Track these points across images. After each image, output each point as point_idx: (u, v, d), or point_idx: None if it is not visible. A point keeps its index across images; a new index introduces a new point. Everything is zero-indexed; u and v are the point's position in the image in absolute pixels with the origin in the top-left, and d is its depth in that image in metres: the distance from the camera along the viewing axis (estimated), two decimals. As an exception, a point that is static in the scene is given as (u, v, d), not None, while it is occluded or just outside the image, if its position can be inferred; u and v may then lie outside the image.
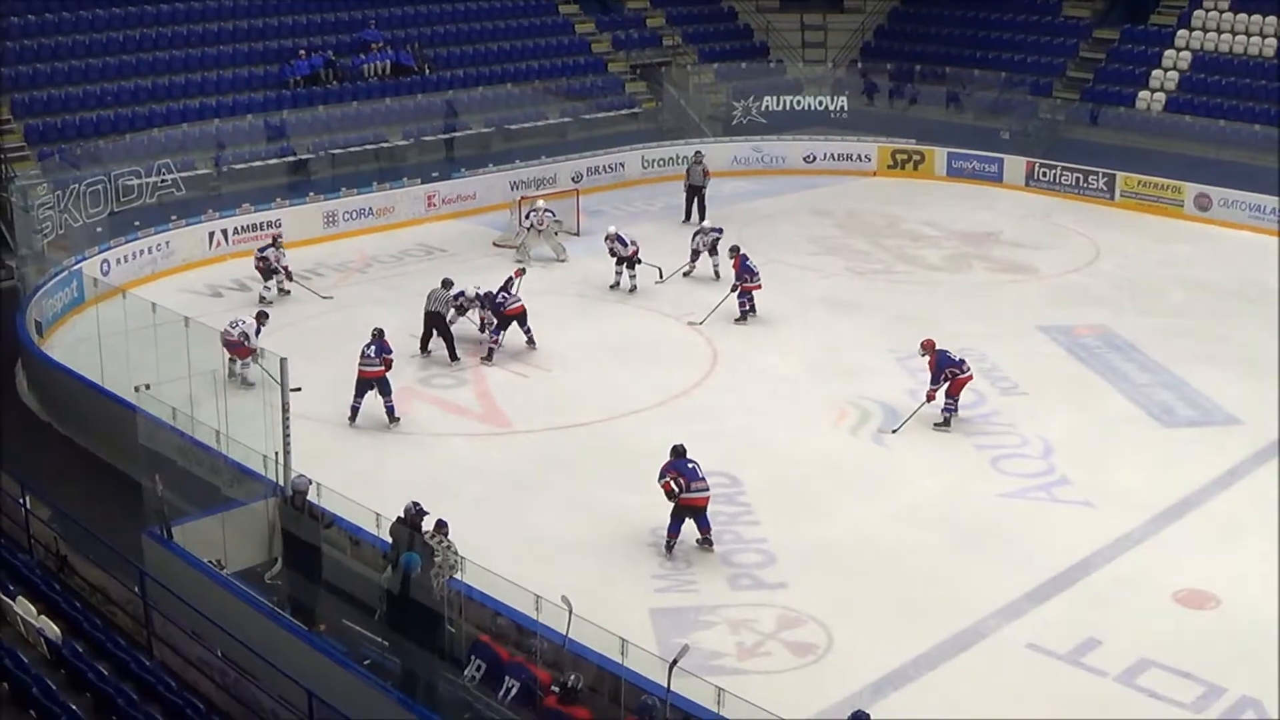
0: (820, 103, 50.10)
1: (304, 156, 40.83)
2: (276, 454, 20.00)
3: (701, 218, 39.12)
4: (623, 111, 48.71)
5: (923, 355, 26.47)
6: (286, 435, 20.01)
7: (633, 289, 33.42)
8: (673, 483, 21.09)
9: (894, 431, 25.99)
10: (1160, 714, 17.68)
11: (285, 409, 19.92)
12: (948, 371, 26.01)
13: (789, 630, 19.51)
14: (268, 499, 20.03)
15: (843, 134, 48.15)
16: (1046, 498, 23.62)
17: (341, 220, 38.42)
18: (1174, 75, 47.18)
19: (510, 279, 30.30)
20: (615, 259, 33.91)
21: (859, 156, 46.80)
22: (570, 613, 16.11)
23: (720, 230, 34.54)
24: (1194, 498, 23.60)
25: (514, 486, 23.54)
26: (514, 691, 15.92)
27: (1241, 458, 25.17)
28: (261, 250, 32.96)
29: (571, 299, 32.91)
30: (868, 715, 14.74)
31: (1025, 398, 27.64)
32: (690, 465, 21.31)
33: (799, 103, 50.14)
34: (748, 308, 31.61)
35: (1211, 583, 20.71)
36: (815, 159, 46.88)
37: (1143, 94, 47.12)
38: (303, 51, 43.26)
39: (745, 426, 26.07)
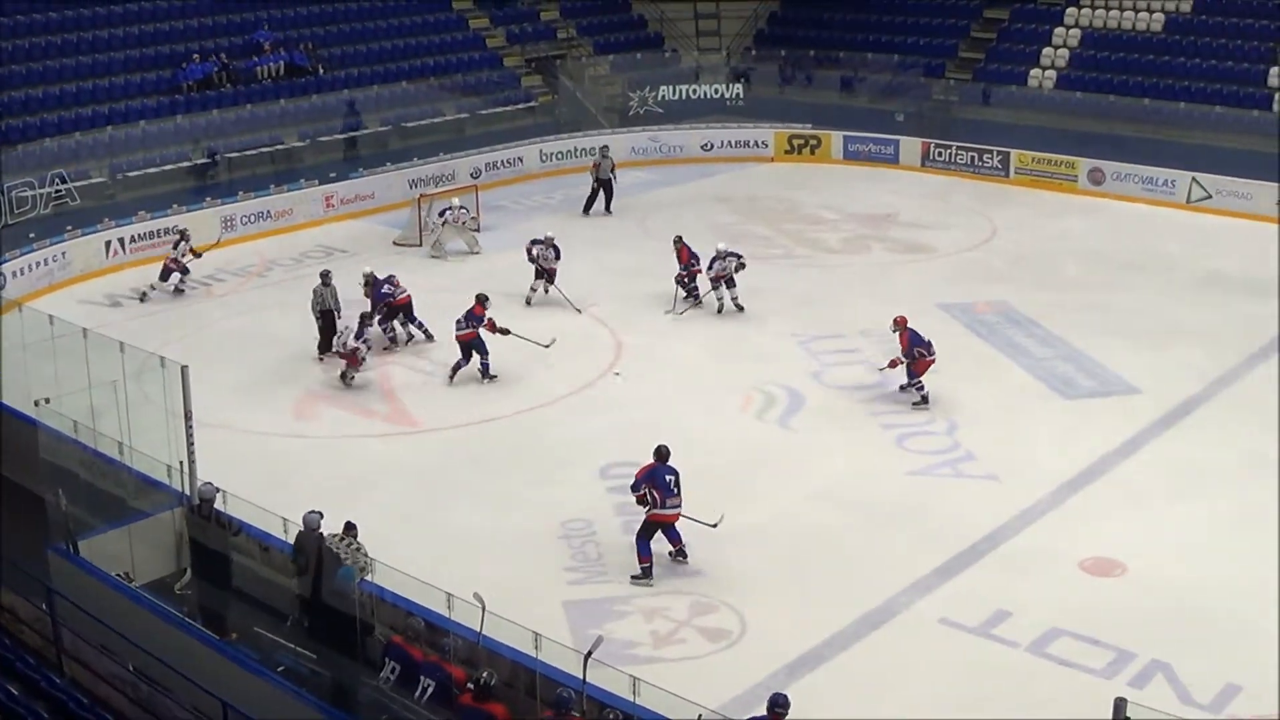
0: (716, 91, 50.31)
1: (200, 161, 40.48)
2: (181, 463, 19.85)
3: (608, 209, 40.04)
4: (519, 106, 48.61)
5: (894, 331, 26.71)
6: (190, 444, 19.87)
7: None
8: (648, 495, 20.41)
9: (918, 397, 26.58)
10: (1072, 681, 17.87)
11: (188, 418, 19.78)
12: (916, 351, 26.35)
13: (703, 616, 19.58)
14: (174, 509, 19.87)
15: (739, 121, 48.30)
16: (953, 474, 23.84)
17: (240, 224, 38.11)
18: (1064, 53, 47.63)
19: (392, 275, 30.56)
20: (536, 270, 32.80)
21: (756, 143, 46.98)
22: (483, 609, 16.09)
23: (739, 255, 31.82)
24: (1097, 467, 23.89)
25: (423, 485, 23.49)
26: (430, 691, 15.89)
27: (1142, 426, 25.52)
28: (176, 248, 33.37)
29: (471, 296, 32.74)
30: (785, 697, 14.84)
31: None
32: (668, 478, 20.46)
33: (695, 91, 50.31)
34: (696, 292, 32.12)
35: (1117, 550, 21.00)
36: (713, 147, 47.02)
37: (1034, 72, 47.53)
38: (195, 56, 42.85)
39: (652, 415, 26.07)
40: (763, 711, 14.86)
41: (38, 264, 33.64)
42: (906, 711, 17.27)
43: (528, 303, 32.37)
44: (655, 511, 20.41)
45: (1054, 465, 23.86)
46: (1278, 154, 39.45)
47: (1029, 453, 24.48)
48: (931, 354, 26.50)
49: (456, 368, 27.94)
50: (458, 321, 27.89)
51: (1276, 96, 42.65)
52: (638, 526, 20.90)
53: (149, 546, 19.68)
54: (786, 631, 19.11)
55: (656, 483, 20.36)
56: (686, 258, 32.10)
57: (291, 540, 18.41)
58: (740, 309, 31.08)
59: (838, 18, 52.85)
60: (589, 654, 15.05)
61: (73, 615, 16.13)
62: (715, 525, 20.58)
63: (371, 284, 30.08)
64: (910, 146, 45.80)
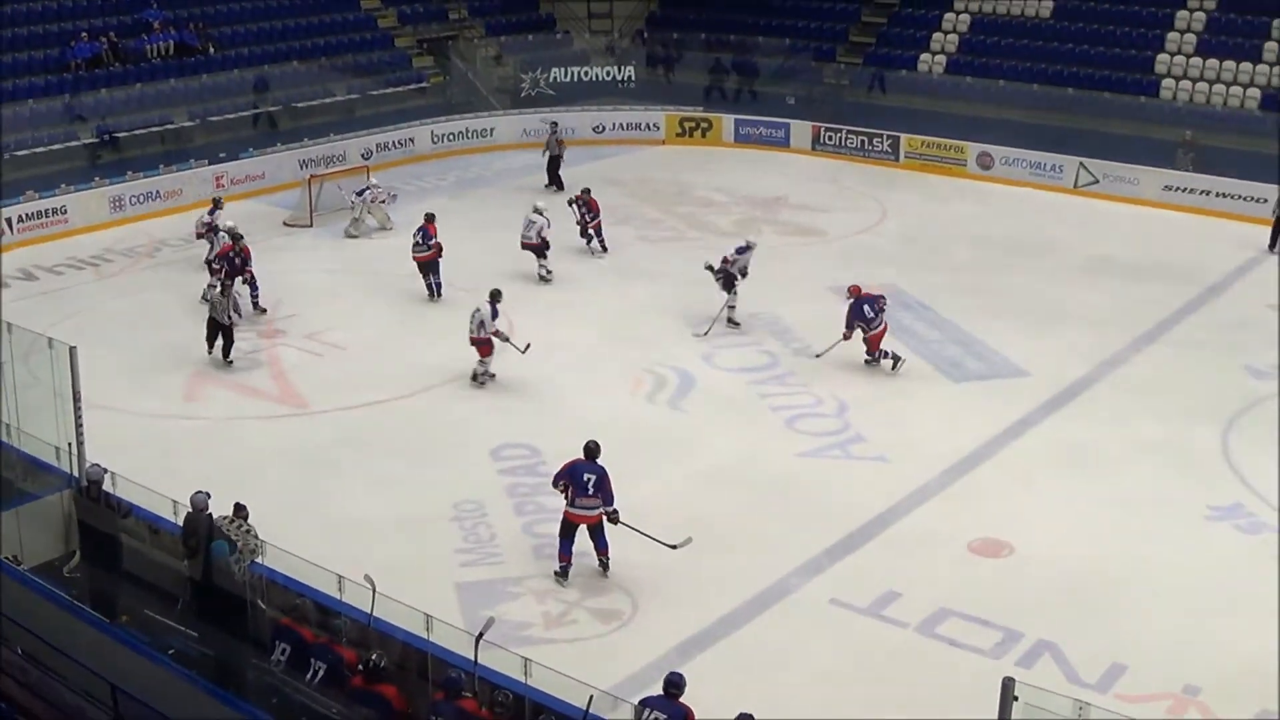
0: (608, 73, 50.32)
1: (88, 141, 40.02)
2: (69, 445, 19.66)
3: (558, 185, 40.70)
4: (410, 87, 48.40)
5: (848, 299, 27.26)
6: (79, 426, 19.67)
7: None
8: (562, 490, 19.98)
9: (818, 356, 27.64)
10: (961, 661, 18.09)
11: (76, 399, 19.59)
12: (857, 324, 26.85)
13: (594, 598, 19.64)
14: (62, 491, 19.69)
15: (631, 104, 48.30)
16: (842, 455, 24.03)
17: (129, 204, 37.71)
18: (954, 38, 48.06)
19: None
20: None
21: (647, 125, 47.02)
22: (374, 591, 16.07)
23: (750, 246, 30.58)
24: (985, 449, 24.17)
25: (314, 467, 23.39)
26: (321, 673, 15.85)
27: (1029, 408, 25.83)
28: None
29: (365, 275, 32.68)
30: (681, 676, 14.90)
31: (818, 358, 28.02)
32: (586, 476, 19.78)
33: (587, 74, 50.31)
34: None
35: (1005, 531, 21.26)
36: (604, 129, 46.99)
37: (924, 57, 47.94)
38: (84, 34, 42.28)
39: (543, 397, 26.19)
40: (655, 692, 14.93)
41: (-79, 244, 33.17)
42: (797, 690, 17.41)
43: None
44: (567, 509, 19.98)
45: (942, 447, 24.10)
46: (1165, 139, 40.09)
47: (918, 434, 24.71)
48: (875, 326, 26.99)
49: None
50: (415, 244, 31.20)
51: (1163, 83, 43.25)
52: (528, 508, 20.96)
53: (37, 529, 19.49)
54: (678, 612, 19.20)
55: (574, 479, 19.84)
56: (595, 207, 34.19)
57: (181, 522, 18.29)
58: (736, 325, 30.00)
59: (729, 1, 52.84)
60: (480, 635, 15.06)
61: (-42, 599, 15.97)
62: (676, 547, 20.11)
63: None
64: (801, 130, 45.97)
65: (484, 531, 21.27)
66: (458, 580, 19.93)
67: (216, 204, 33.93)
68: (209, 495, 18.19)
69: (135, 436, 24.03)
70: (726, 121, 46.97)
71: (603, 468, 19.95)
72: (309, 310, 30.51)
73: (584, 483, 19.86)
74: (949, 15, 48.63)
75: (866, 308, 27.03)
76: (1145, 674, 17.75)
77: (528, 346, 26.52)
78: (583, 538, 19.99)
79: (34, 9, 42.80)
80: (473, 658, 15.04)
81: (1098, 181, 40.53)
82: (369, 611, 16.20)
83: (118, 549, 19.05)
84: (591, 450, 20.13)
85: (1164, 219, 38.16)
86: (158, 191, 38.48)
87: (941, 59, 47.60)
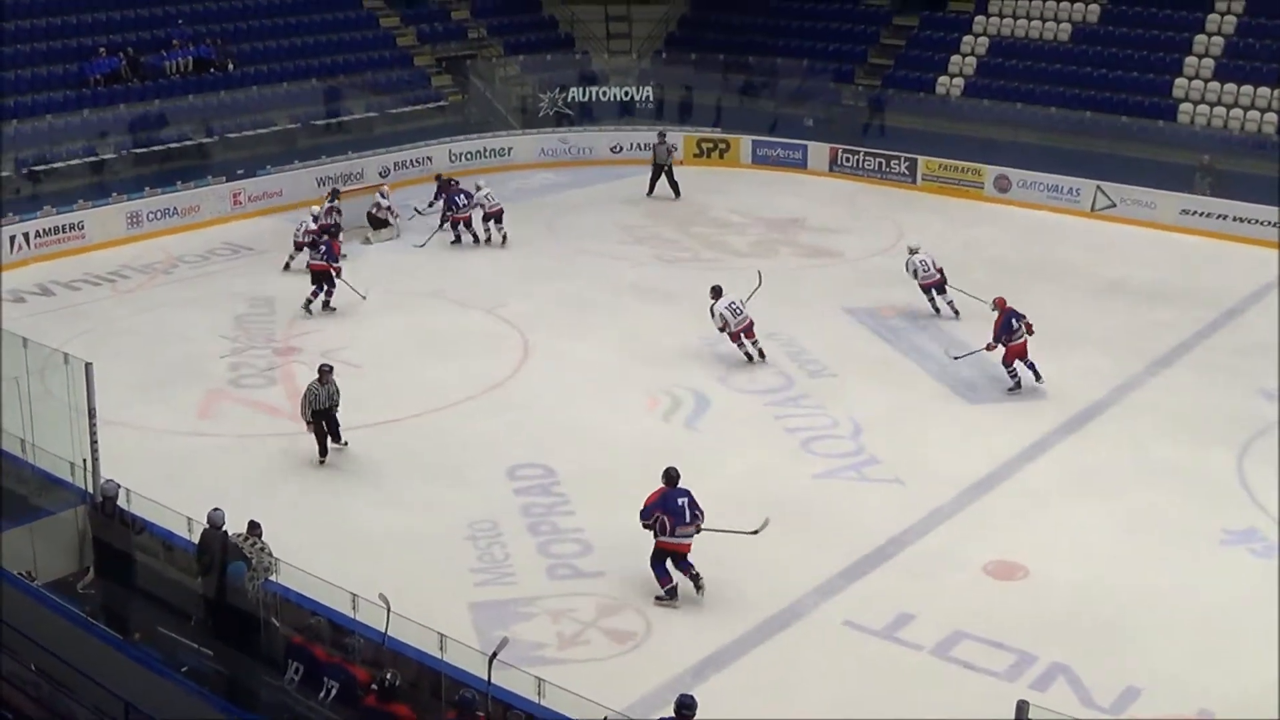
0: (626, 93, 50.30)
1: (106, 156, 40.12)
2: (84, 461, 19.68)
3: (675, 193, 42.09)
4: (429, 105, 48.44)
5: (993, 310, 27.83)
6: (94, 442, 19.69)
7: None
8: (659, 522, 19.71)
9: (955, 358, 28.24)
10: (975, 684, 18.03)
11: (92, 415, 19.61)
12: (1001, 337, 27.38)
13: (608, 618, 19.62)
14: (77, 507, 19.70)
15: (649, 124, 48.28)
16: (857, 477, 23.98)
17: (146, 220, 37.80)
18: (972, 60, 48.01)
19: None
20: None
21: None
22: (389, 610, 16.06)
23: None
24: (1001, 471, 24.11)
25: (328, 485, 23.42)
26: (334, 692, 15.84)
27: (1045, 431, 25.77)
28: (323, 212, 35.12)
29: (381, 293, 32.70)
30: (692, 698, 14.88)
31: (834, 379, 28.04)
32: (681, 503, 19.74)
33: (605, 94, 50.30)
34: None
35: (1020, 554, 21.21)
36: (622, 149, 46.99)
37: (942, 79, 47.88)
38: (102, 50, 42.43)
39: (558, 416, 26.15)
40: (668, 713, 14.89)
41: (-61, 259, 33.26)
42: (811, 713, 17.37)
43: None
44: (663, 539, 19.79)
45: (958, 469, 24.05)
46: (1183, 163, 40.05)
47: (933, 457, 24.65)
48: (1016, 338, 27.37)
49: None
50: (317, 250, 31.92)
51: (1181, 107, 43.21)
52: (543, 528, 20.99)
53: (51, 545, 19.50)
54: (692, 633, 19.19)
55: (669, 508, 19.70)
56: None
57: (195, 539, 18.31)
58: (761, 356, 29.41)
59: (748, 22, 52.98)
60: (494, 655, 15.04)
61: (-28, 614, 15.98)
62: (756, 532, 20.18)
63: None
64: (818, 152, 45.95)
65: (498, 551, 21.25)
66: (472, 600, 19.90)
67: (335, 194, 36.31)
68: (224, 513, 18.20)
69: (150, 452, 24.07)
70: (744, 142, 46.97)
71: (688, 490, 19.96)
72: (325, 328, 30.56)
73: (681, 509, 19.75)
74: (967, 38, 48.61)
75: (1014, 321, 27.41)
76: (1159, 697, 17.69)
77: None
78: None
79: (53, 24, 42.93)
80: (486, 678, 15.02)
81: (1115, 205, 40.45)
82: (383, 630, 16.20)
83: (132, 565, 19.06)
84: (673, 476, 20.00)
85: (1181, 243, 38.05)
86: (175, 208, 38.55)
87: (960, 81, 47.58)
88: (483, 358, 29.05)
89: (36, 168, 38.37)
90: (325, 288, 31.78)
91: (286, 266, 34.83)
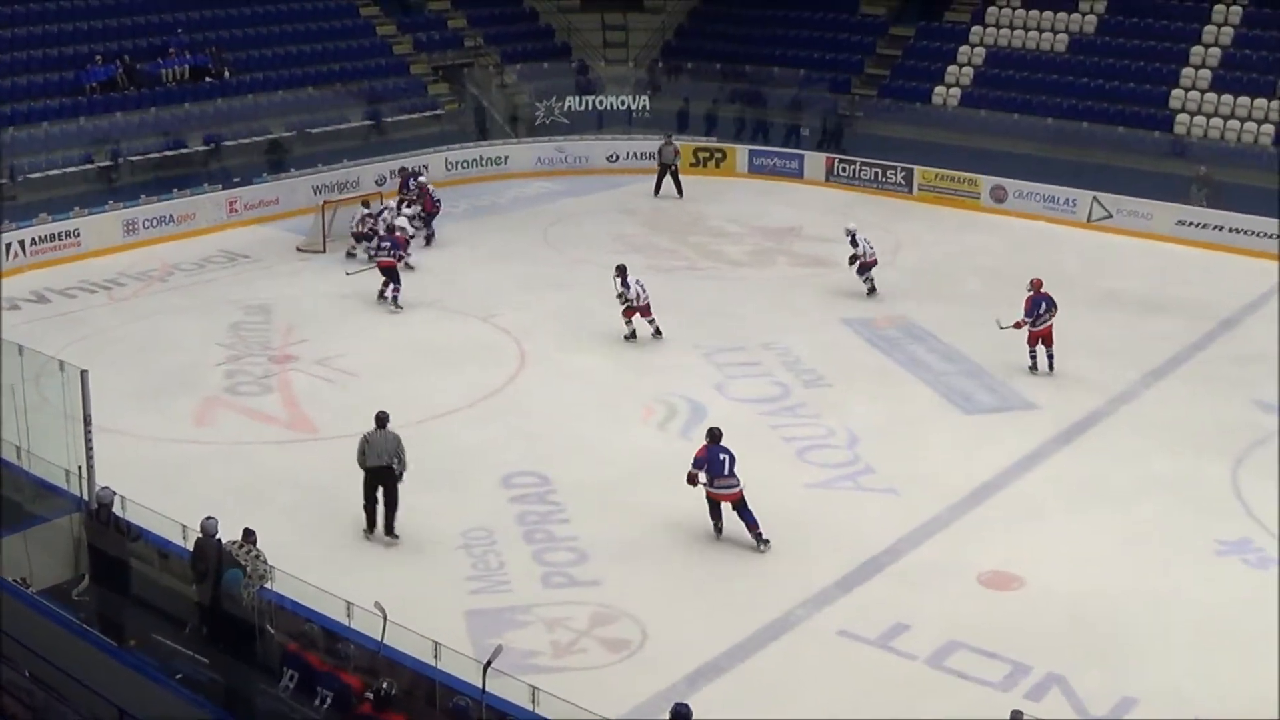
0: (623, 102, 50.29)
1: (102, 164, 40.12)
2: (80, 468, 19.68)
3: (679, 192, 43.47)
4: (425, 114, 48.46)
5: (1028, 291, 29.02)
6: (89, 449, 19.68)
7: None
8: (699, 475, 21.57)
9: (1001, 328, 28.85)
10: (970, 694, 18.03)
11: (88, 422, 19.60)
12: (1026, 319, 28.77)
13: (603, 627, 19.60)
14: (72, 514, 19.71)
15: (645, 133, 48.32)
16: (853, 486, 23.99)
17: (142, 228, 37.81)
18: (969, 71, 48.08)
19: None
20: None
21: (661, 155, 47.08)
22: (385, 619, 16.07)
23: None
24: (995, 481, 24.12)
25: (323, 493, 23.35)
26: (329, 701, 15.84)
27: (1040, 441, 25.79)
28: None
29: (377, 302, 32.69)
30: (687, 707, 14.88)
31: (830, 389, 28.05)
32: (721, 458, 21.59)
33: (601, 103, 50.31)
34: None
35: (1014, 564, 21.19)
36: (619, 158, 47.04)
37: (939, 89, 47.94)
38: (98, 57, 42.44)
39: (553, 425, 26.15)
40: (662, 721, 14.92)
41: (-66, 265, 33.25)
42: (805, 722, 17.40)
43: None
44: (710, 489, 21.61)
45: (953, 479, 24.03)
46: (1179, 174, 40.10)
47: (928, 467, 24.63)
48: (1041, 322, 28.73)
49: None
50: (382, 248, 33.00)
51: (1177, 118, 43.26)
52: (538, 536, 21.08)
53: (47, 552, 19.52)
54: (686, 642, 19.15)
55: (712, 462, 21.51)
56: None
57: (190, 546, 18.31)
58: None
59: (744, 32, 53.03)
60: (488, 663, 15.05)
61: (-34, 621, 15.97)
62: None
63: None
64: (815, 161, 46.02)
65: (493, 559, 21.24)
66: (466, 608, 19.90)
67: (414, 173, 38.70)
68: (218, 521, 18.20)
69: (145, 460, 24.06)
70: (740, 152, 47.03)
71: (729, 448, 21.68)
72: (321, 336, 30.56)
73: (721, 463, 21.55)
74: (964, 48, 48.66)
75: (1043, 304, 28.60)
76: (1154, 707, 17.67)
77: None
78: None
79: (49, 32, 43.01)
80: (481, 686, 15.03)
81: (1111, 216, 40.49)
82: (379, 639, 16.20)
83: (127, 573, 19.06)
84: (716, 434, 21.85)
85: (1177, 254, 38.07)
86: (171, 215, 38.57)
87: (956, 92, 47.62)
88: (479, 367, 29.05)
89: (32, 175, 38.32)
90: (395, 283, 32.59)
91: (351, 254, 36.08)
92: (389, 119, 47.13)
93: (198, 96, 43.67)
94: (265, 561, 17.87)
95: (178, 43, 44.34)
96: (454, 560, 21.22)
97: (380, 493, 21.82)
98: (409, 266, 34.23)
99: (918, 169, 44.08)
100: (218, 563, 17.77)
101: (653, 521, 22.25)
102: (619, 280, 30.41)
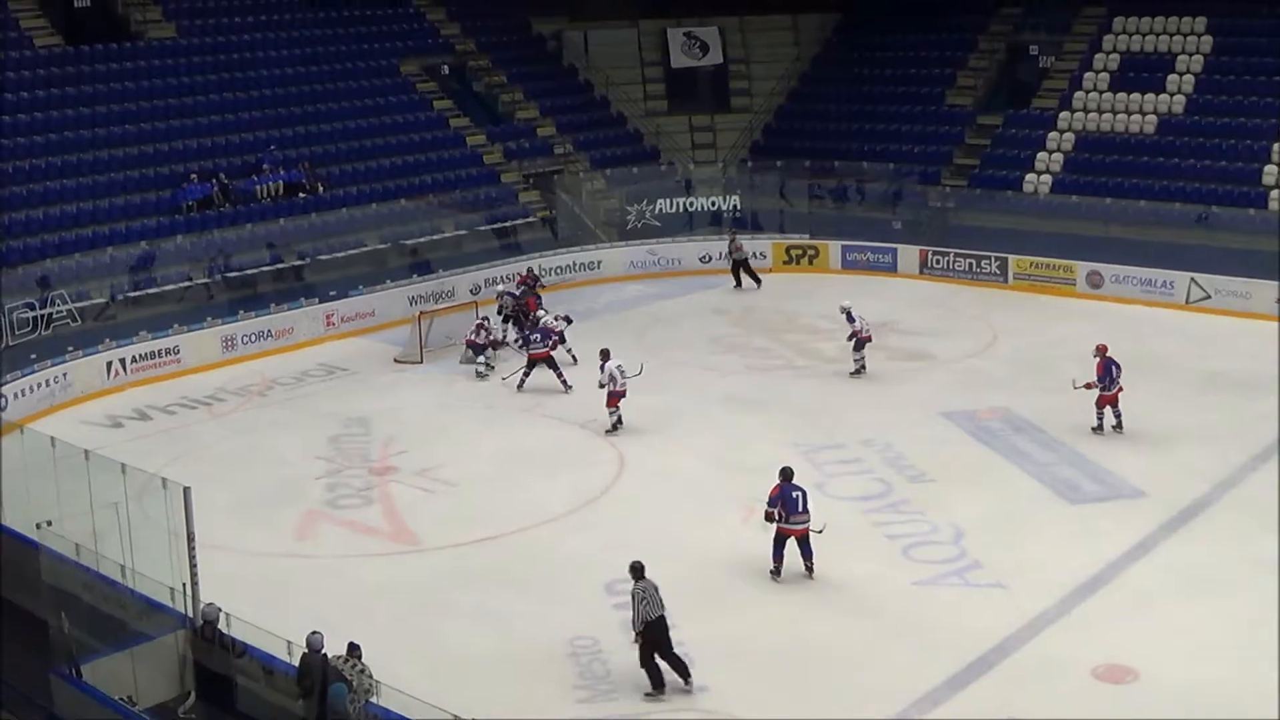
0: (713, 203, 50.42)
1: (200, 281, 40.57)
2: (184, 585, 19.75)
3: (756, 282, 44.87)
4: (517, 221, 48.69)
5: (1095, 357, 30.13)
6: (193, 565, 19.77)
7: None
8: (776, 513, 23.34)
9: (1076, 387, 30.14)
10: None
11: (191, 539, 19.70)
12: (1102, 382, 29.91)
13: (711, 730, 19.44)
14: (177, 631, 19.77)
15: (738, 232, 48.36)
16: (960, 583, 23.69)
17: (240, 343, 38.22)
18: (1059, 157, 47.87)
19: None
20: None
21: (754, 254, 46.92)
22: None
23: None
24: (1106, 572, 23.74)
25: (426, 605, 23.32)
26: (436, 813, 15.75)
27: (1149, 529, 25.40)
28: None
29: (477, 410, 32.79)
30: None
31: (933, 484, 27.78)
32: (795, 495, 23.39)
33: (692, 204, 50.46)
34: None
35: (1128, 656, 20.82)
36: (711, 259, 47.03)
37: (1029, 177, 47.76)
38: (194, 175, 43.05)
39: (655, 529, 25.98)
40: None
41: (39, 385, 33.73)
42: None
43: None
44: (782, 525, 23.45)
45: (1062, 571, 23.69)
46: (1276, 252, 39.62)
47: (1036, 559, 24.32)
48: (1112, 387, 29.84)
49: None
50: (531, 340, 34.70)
51: (1272, 194, 42.84)
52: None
53: (152, 669, 19.58)
54: (797, 746, 18.95)
55: (787, 500, 23.37)
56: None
57: (295, 662, 18.29)
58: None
59: (832, 128, 53.19)
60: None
61: (75, 741, 16.02)
62: (819, 532, 23.51)
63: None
64: (908, 254, 45.92)
65: (599, 668, 21.08)
66: (574, 717, 19.73)
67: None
68: (323, 636, 18.18)
69: (248, 575, 24.09)
70: (833, 248, 46.97)
71: (802, 486, 23.67)
72: (421, 447, 30.63)
73: (795, 500, 23.45)
74: (1052, 134, 48.50)
75: (1114, 369, 29.85)
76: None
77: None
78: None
79: (145, 152, 43.73)
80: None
81: (1209, 297, 40.12)
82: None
83: (233, 689, 19.09)
84: (788, 474, 23.76)
85: (1277, 332, 37.58)
86: (269, 330, 38.97)
87: (1047, 178, 47.42)
88: (578, 473, 29.02)
89: (132, 293, 38.81)
90: (529, 370, 34.53)
91: (468, 363, 36.70)
92: (481, 228, 47.35)
93: (292, 212, 44.17)
94: (370, 676, 17.84)
95: (271, 159, 44.90)
96: (561, 669, 21.07)
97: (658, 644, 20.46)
98: (574, 358, 35.79)
99: (1012, 258, 43.88)
100: (323, 678, 17.74)
101: (758, 623, 22.08)
102: (601, 366, 31.47)
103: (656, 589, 20.41)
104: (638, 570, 20.57)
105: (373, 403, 33.85)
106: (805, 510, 23.40)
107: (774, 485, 23.56)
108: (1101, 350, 29.92)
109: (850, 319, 34.62)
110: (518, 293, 38.73)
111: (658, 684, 20.29)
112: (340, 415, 33.06)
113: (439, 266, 43.90)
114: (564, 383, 34.15)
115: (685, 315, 41.67)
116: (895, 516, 26.42)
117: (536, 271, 42.54)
